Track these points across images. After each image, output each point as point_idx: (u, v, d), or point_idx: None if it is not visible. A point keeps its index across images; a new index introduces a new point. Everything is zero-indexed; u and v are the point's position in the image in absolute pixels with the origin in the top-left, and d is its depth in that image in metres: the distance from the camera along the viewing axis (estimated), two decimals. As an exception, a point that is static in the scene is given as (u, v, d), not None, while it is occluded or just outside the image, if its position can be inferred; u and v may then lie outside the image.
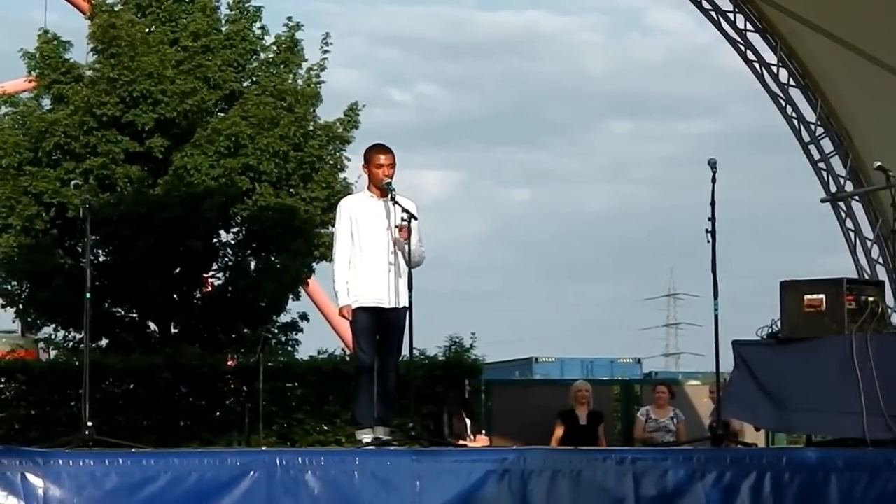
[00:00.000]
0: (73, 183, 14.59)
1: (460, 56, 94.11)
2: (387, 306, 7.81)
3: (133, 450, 7.30)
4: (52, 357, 17.51)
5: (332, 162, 17.16)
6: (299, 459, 6.56)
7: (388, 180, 7.81)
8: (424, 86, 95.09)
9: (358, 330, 7.85)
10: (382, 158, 7.86)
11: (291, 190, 16.86)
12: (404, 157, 8.09)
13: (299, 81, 17.31)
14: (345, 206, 8.05)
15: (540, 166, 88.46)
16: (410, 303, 7.77)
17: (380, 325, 7.82)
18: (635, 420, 13.06)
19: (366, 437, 7.77)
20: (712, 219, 8.00)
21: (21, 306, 16.87)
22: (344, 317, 7.89)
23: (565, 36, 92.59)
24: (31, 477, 6.20)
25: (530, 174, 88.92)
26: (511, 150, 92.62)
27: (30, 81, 17.39)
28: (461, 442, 11.56)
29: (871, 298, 7.77)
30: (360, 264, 7.82)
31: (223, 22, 17.40)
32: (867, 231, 18.30)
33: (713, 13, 17.97)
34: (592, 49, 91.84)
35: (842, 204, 18.23)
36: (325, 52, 17.39)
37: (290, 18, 17.49)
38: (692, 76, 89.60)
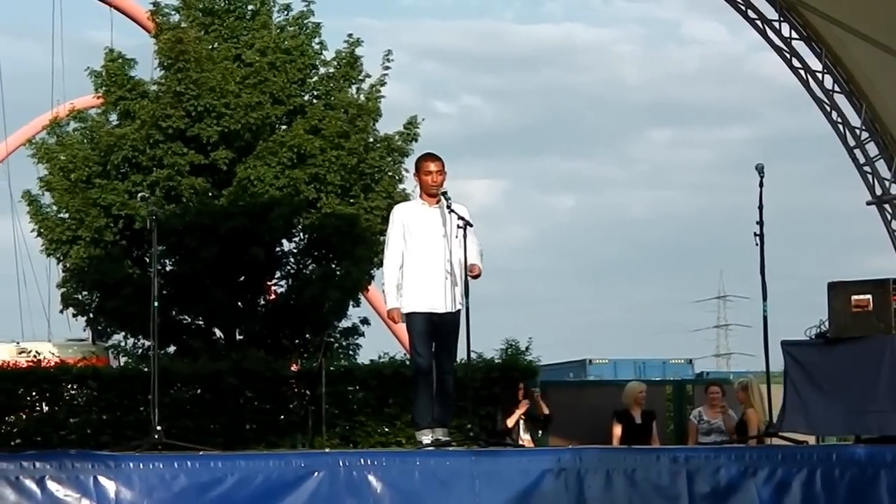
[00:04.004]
0: (139, 195, 14.91)
1: (501, 68, 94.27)
2: (442, 311, 7.97)
3: (201, 452, 7.47)
4: (121, 364, 17.64)
5: (391, 173, 17.40)
6: (361, 460, 6.73)
7: (436, 187, 7.98)
8: (468, 97, 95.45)
9: (414, 334, 8.00)
10: (431, 166, 8.06)
11: (352, 200, 17.09)
12: (451, 167, 8.31)
13: (361, 97, 17.49)
14: (398, 213, 8.22)
15: (583, 174, 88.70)
16: (468, 308, 7.91)
17: (436, 330, 7.98)
18: (688, 424, 13.12)
19: (425, 438, 7.92)
20: (760, 222, 8.12)
21: (91, 315, 17.16)
22: (392, 319, 8.06)
23: (602, 47, 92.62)
24: (103, 480, 6.38)
25: (574, 181, 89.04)
26: (554, 158, 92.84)
27: (98, 98, 17.60)
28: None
29: (917, 298, 7.86)
30: (415, 271, 7.97)
31: (283, 39, 17.63)
32: (912, 232, 18.32)
33: (758, 22, 18.09)
34: (629, 60, 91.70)
35: (887, 206, 18.30)
36: (387, 67, 17.58)
37: (350, 35, 17.74)
38: (728, 84, 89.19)
